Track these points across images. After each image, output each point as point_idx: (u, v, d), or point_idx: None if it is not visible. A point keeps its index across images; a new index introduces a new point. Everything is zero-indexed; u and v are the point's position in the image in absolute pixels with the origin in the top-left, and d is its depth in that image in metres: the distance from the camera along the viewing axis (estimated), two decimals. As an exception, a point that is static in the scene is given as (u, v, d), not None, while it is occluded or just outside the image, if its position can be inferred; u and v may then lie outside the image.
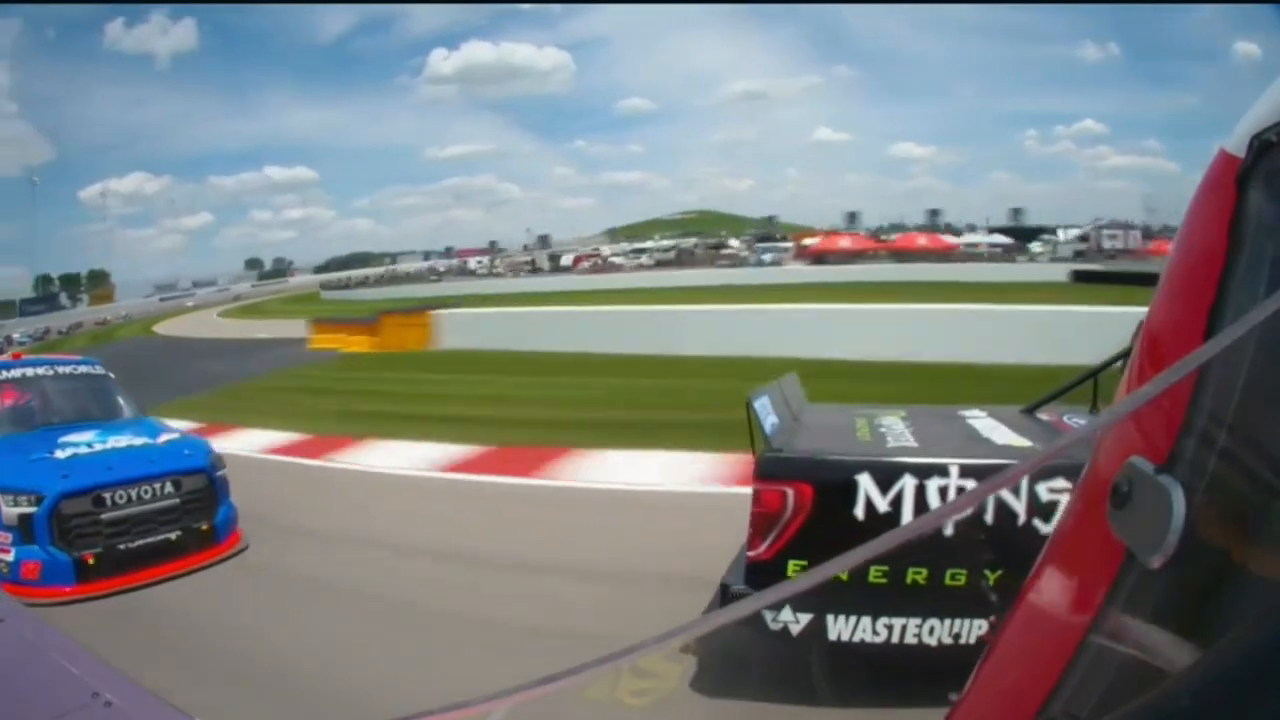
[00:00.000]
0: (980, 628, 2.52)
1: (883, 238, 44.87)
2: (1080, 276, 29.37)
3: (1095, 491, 0.67)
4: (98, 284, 71.54)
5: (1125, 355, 3.52)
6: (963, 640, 2.59)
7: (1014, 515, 2.47)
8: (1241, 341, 0.50)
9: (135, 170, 70.54)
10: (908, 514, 2.61)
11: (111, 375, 5.90)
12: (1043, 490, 2.46)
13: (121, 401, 5.67)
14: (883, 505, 2.59)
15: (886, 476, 2.61)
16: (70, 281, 74.58)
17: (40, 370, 5.49)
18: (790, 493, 2.62)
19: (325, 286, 57.58)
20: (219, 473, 4.99)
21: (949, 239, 44.13)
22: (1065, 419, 3.29)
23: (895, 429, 3.10)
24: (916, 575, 2.55)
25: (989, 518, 2.48)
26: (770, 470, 2.70)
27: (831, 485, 2.64)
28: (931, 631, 2.57)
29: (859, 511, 2.60)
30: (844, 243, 44.02)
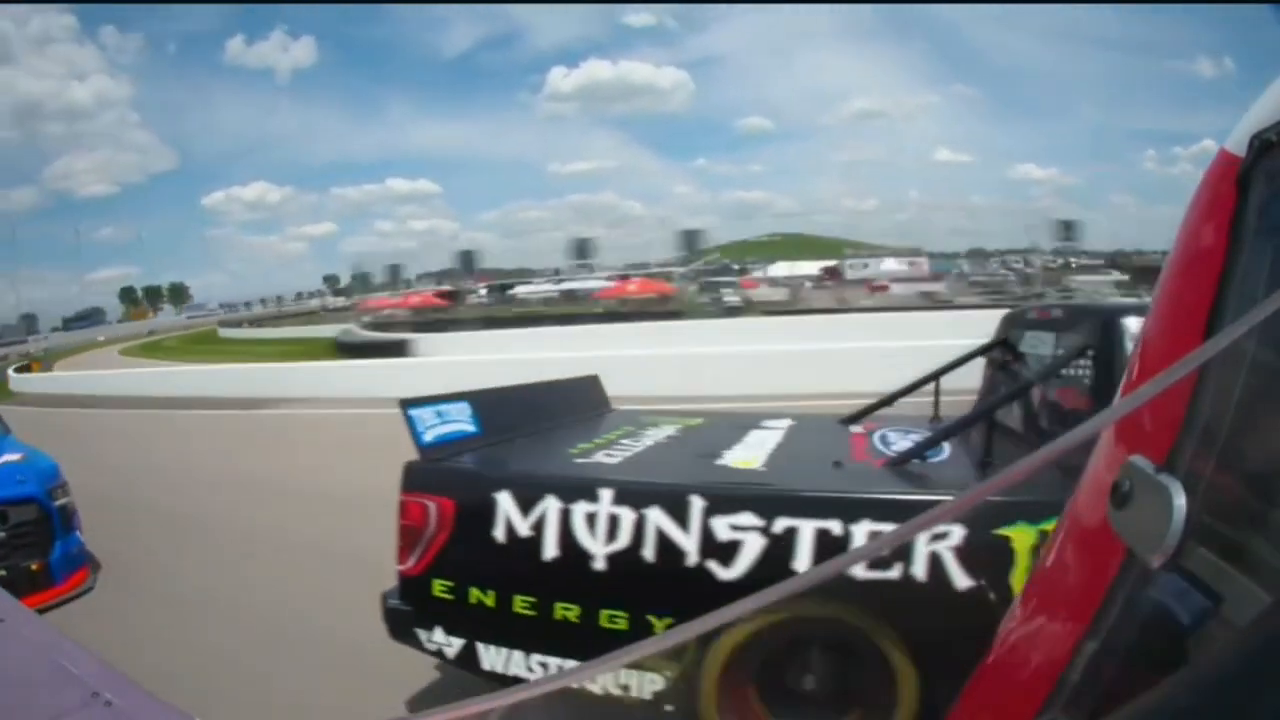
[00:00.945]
0: (654, 682, 2.14)
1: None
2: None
3: (1095, 491, 0.67)
4: (178, 297, 71.52)
5: (965, 360, 3.17)
6: (633, 693, 2.16)
7: (681, 553, 2.08)
8: (1241, 341, 0.50)
9: (258, 179, 70.89)
10: (550, 540, 2.22)
11: None
12: (721, 526, 2.06)
13: None
14: (523, 528, 2.25)
15: (527, 497, 2.27)
16: (152, 294, 74.68)
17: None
18: (432, 506, 2.36)
19: (224, 324, 54.57)
20: (59, 502, 4.18)
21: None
22: (878, 434, 2.84)
23: (642, 442, 2.81)
24: (566, 611, 2.20)
25: (650, 553, 2.10)
26: (413, 481, 2.42)
27: (471, 502, 2.34)
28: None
29: (499, 533, 2.27)
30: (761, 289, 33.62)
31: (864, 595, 1.92)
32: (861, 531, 1.98)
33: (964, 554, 1.86)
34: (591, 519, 2.19)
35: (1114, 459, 0.66)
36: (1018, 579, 1.77)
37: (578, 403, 3.38)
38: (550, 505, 2.24)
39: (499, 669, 2.32)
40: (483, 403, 2.78)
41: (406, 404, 2.51)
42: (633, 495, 2.17)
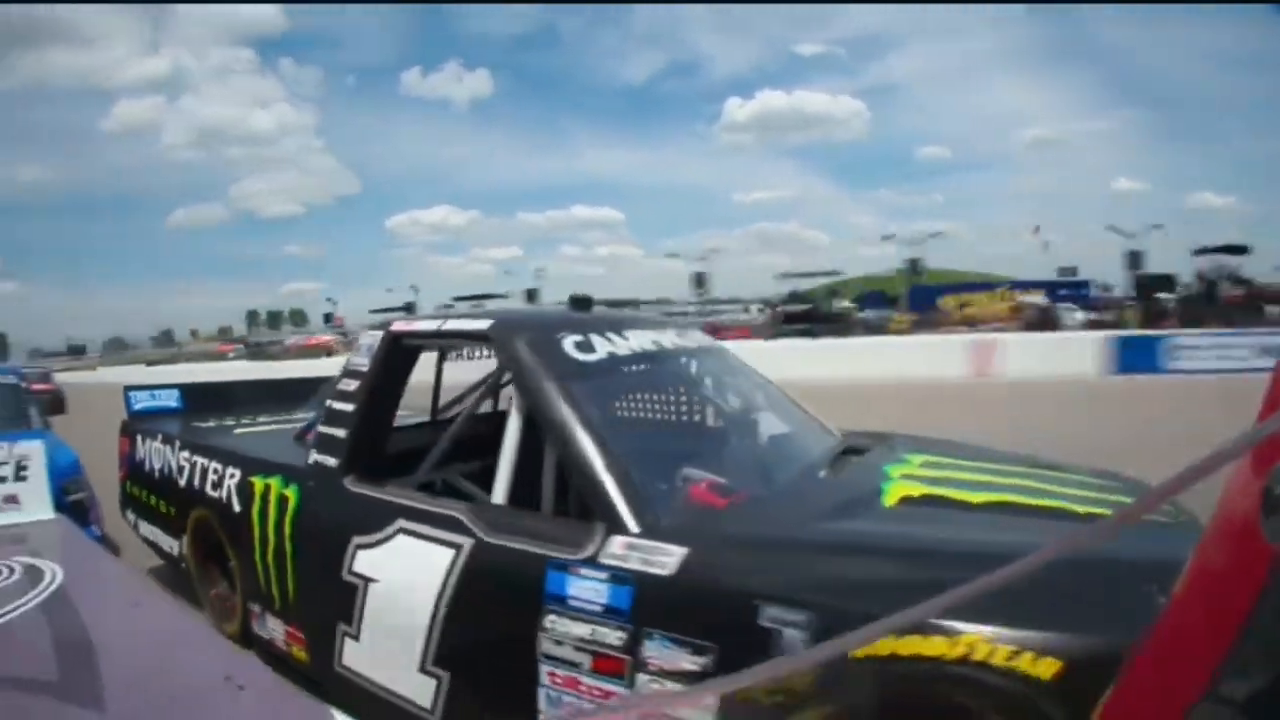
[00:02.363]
0: None
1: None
2: None
3: (1245, 496, 0.66)
4: (299, 321, 72.96)
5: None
6: None
7: (175, 477, 3.27)
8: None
9: (440, 203, 76.70)
10: (161, 467, 3.38)
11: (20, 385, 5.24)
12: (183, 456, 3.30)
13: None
14: (155, 462, 3.48)
15: (163, 444, 3.41)
16: (274, 319, 77.88)
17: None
18: (125, 442, 3.82)
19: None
20: (72, 498, 3.95)
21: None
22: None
23: (258, 427, 3.57)
24: (167, 507, 3.34)
25: (185, 479, 3.18)
26: (122, 429, 3.87)
27: (138, 441, 3.69)
28: None
29: (147, 462, 3.56)
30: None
31: None
32: None
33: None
34: (185, 460, 3.15)
35: (1262, 464, 0.65)
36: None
37: (297, 396, 4.10)
38: (169, 449, 3.31)
39: (147, 536, 3.58)
40: (191, 390, 4.09)
41: (129, 387, 3.97)
42: (192, 447, 3.15)
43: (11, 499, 2.93)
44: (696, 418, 2.41)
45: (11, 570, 2.16)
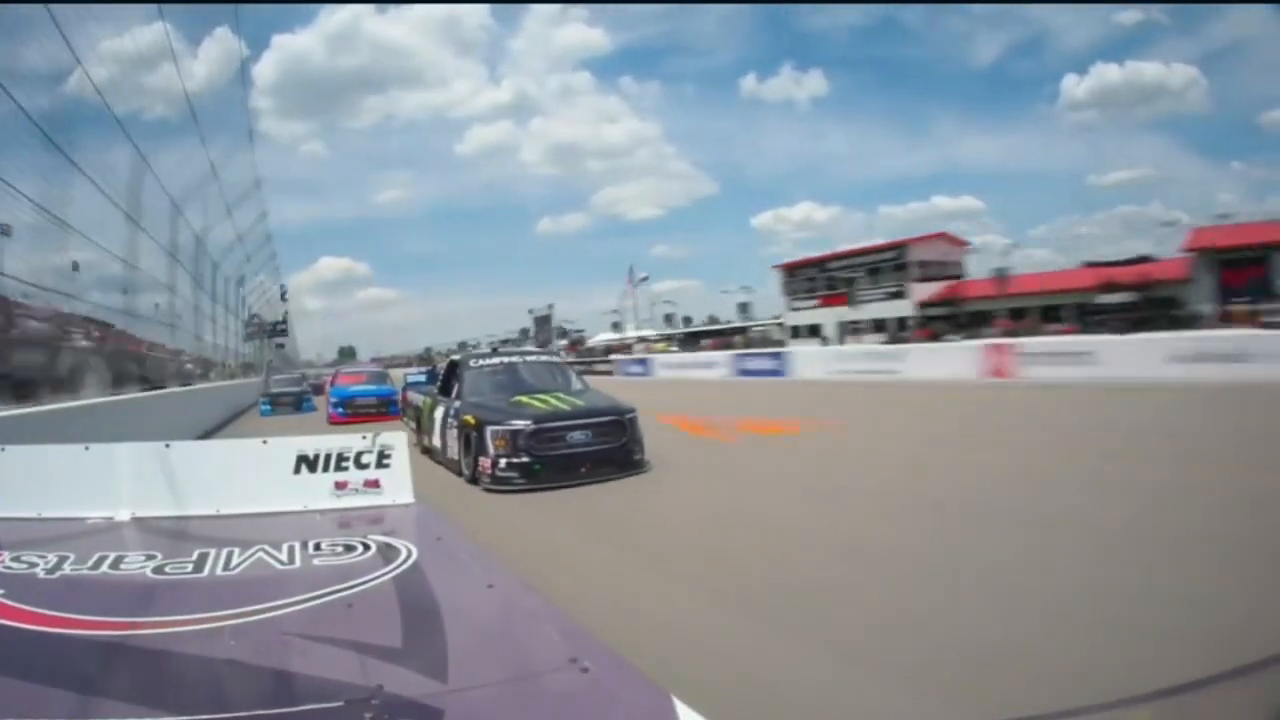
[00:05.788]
0: None
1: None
2: None
3: None
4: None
5: None
6: None
7: None
8: None
9: (802, 200, 79.84)
10: None
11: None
12: None
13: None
14: None
15: None
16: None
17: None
18: None
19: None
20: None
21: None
22: None
23: None
24: None
25: None
26: None
27: None
28: None
29: None
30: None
31: None
32: None
33: None
34: (415, 397, 10.38)
35: None
36: None
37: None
38: (412, 393, 10.63)
39: (408, 425, 10.18)
40: (431, 374, 11.40)
41: (408, 375, 13.58)
42: (416, 391, 10.44)
43: (373, 484, 3.45)
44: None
45: (368, 547, 2.27)
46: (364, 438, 3.26)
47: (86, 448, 2.99)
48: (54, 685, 1.41)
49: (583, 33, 79.41)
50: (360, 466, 3.29)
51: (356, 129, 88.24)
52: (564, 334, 56.25)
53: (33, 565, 1.99)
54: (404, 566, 2.00)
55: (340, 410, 14.88)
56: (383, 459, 3.33)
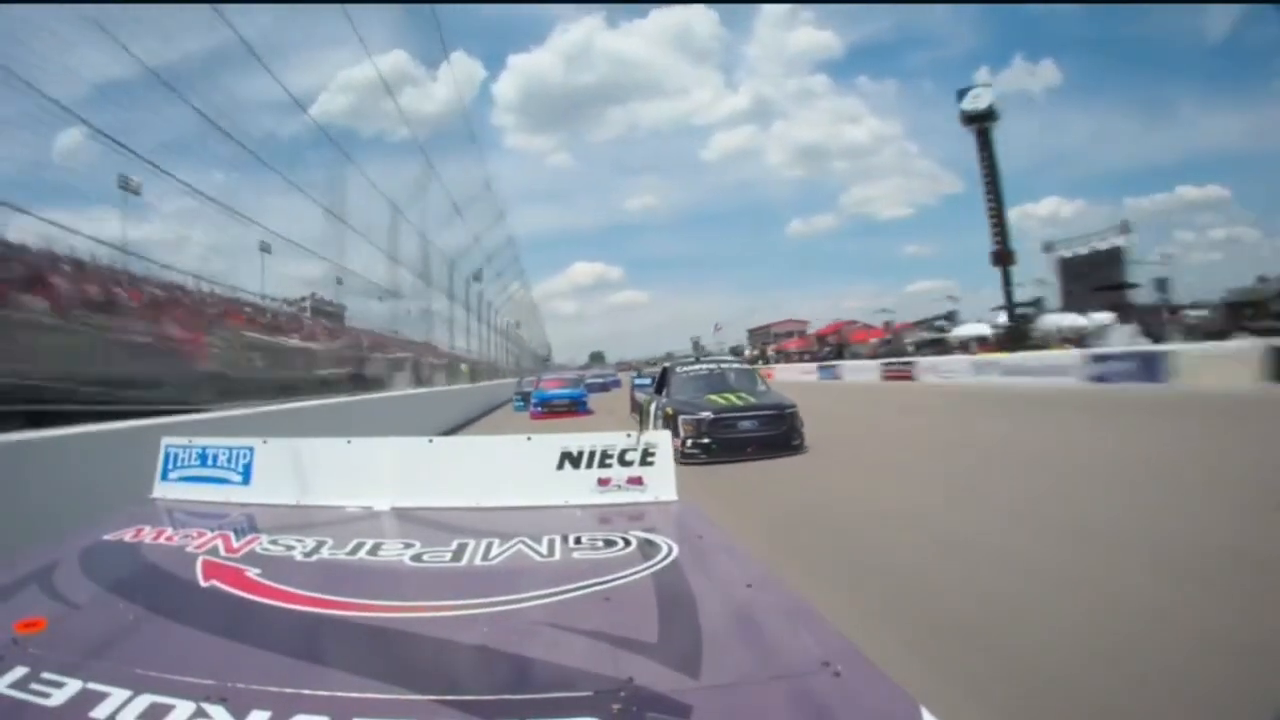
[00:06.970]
0: None
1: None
2: None
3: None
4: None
5: None
6: None
7: None
8: None
9: (1049, 195, 75.58)
10: None
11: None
12: None
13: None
14: None
15: None
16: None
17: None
18: None
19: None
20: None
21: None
22: None
23: None
24: None
25: None
26: None
27: None
28: None
29: None
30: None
31: None
32: None
33: None
34: (640, 394, 15.80)
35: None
36: None
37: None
38: (637, 393, 16.42)
39: (638, 414, 14.44)
40: (650, 378, 15.56)
41: (636, 377, 18.96)
42: (641, 391, 15.99)
43: (636, 480, 3.33)
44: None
45: (628, 542, 2.31)
46: (628, 435, 3.17)
47: (349, 441, 3.18)
48: (310, 661, 1.53)
49: (812, 35, 79.28)
50: (624, 463, 3.15)
51: (602, 140, 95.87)
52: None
53: (290, 548, 2.09)
54: (664, 563, 2.02)
55: (540, 408, 19.84)
56: (647, 456, 3.26)
